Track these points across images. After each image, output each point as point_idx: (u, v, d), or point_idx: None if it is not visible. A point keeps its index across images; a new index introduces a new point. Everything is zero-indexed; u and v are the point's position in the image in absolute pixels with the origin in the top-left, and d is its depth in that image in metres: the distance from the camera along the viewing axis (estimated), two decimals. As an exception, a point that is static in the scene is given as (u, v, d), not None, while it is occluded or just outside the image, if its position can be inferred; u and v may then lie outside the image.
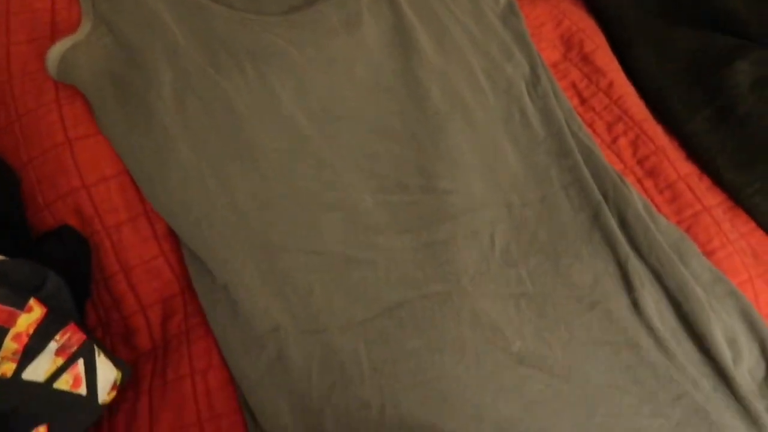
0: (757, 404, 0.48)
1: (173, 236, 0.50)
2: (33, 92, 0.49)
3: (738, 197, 0.61)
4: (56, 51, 0.48)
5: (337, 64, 0.55)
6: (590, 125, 0.66)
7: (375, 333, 0.46)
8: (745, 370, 0.51)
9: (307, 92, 0.52)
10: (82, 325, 0.46)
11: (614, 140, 0.64)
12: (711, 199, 0.60)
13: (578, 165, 0.58)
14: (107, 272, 0.49)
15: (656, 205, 0.60)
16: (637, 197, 0.58)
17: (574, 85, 0.69)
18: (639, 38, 0.71)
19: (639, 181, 0.62)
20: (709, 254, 0.57)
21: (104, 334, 0.50)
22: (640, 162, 0.63)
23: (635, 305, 0.50)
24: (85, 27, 0.50)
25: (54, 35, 0.52)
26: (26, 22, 0.52)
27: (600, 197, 0.56)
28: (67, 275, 0.47)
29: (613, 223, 0.55)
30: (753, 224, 0.60)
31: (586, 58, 0.70)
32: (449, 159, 0.54)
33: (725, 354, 0.49)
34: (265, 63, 0.52)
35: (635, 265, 0.52)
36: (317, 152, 0.51)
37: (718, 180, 0.62)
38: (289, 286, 0.47)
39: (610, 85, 0.68)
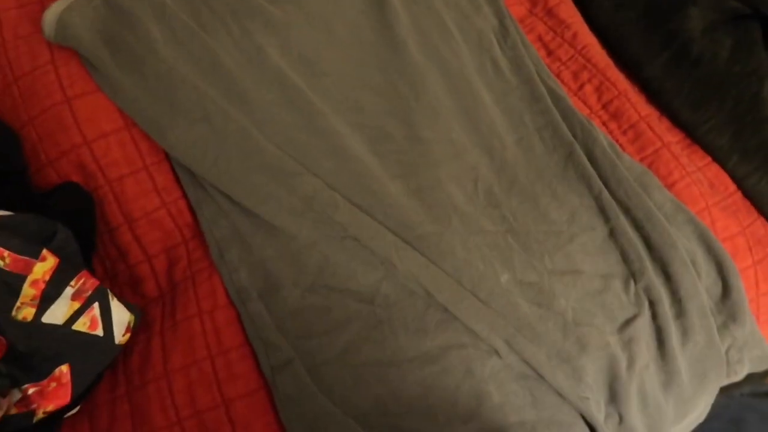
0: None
1: (172, 188, 0.53)
2: (28, 55, 0.51)
3: (694, 134, 0.66)
4: (52, 14, 0.50)
5: (317, 21, 0.57)
6: (557, 75, 0.70)
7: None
8: (703, 288, 0.56)
9: (291, 48, 0.55)
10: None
11: (580, 87, 0.69)
12: (670, 137, 0.65)
13: (549, 109, 0.62)
14: (112, 224, 0.52)
15: (621, 145, 0.64)
16: (602, 137, 0.62)
17: (540, 38, 0.73)
18: (599, -10, 0.75)
19: (604, 124, 0.66)
20: (669, 186, 0.62)
21: (112, 284, 0.53)
22: (604, 106, 0.67)
23: (611, 233, 0.55)
24: (74, -11, 0.52)
25: (42, 0, 0.54)
26: (14, -9, 0.54)
27: (571, 138, 0.60)
28: (74, 229, 0.49)
29: (585, 161, 0.59)
30: (709, 158, 0.66)
31: (550, 12, 0.74)
32: (430, 109, 0.58)
33: (690, 273, 0.54)
34: (248, 21, 0.55)
35: (608, 198, 0.57)
36: (308, 103, 0.54)
37: (676, 120, 0.67)
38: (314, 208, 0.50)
39: (574, 36, 0.72)
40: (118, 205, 0.52)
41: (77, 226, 0.50)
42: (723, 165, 0.65)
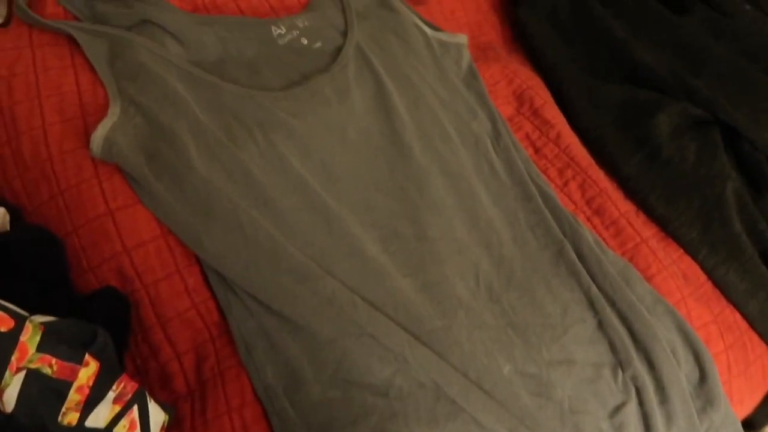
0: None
1: (201, 289, 0.57)
2: (73, 168, 0.55)
3: (668, 229, 0.74)
4: (99, 135, 0.54)
5: (333, 129, 0.63)
6: (545, 171, 0.77)
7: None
8: (683, 375, 0.62)
9: (311, 156, 0.61)
10: (126, 375, 0.52)
11: (565, 184, 0.76)
12: (647, 231, 0.73)
13: (540, 208, 0.68)
14: (146, 324, 0.55)
15: (604, 239, 0.71)
16: (588, 234, 0.69)
17: (528, 136, 0.81)
18: (576, 93, 0.83)
19: (588, 219, 0.73)
20: (649, 279, 0.68)
21: (142, 381, 0.56)
22: (588, 203, 0.74)
23: (600, 325, 0.61)
24: (115, 109, 0.57)
25: (84, 115, 0.58)
26: (57, 104, 0.58)
27: (561, 236, 0.67)
28: (111, 330, 0.53)
29: (574, 257, 0.65)
30: (681, 251, 0.73)
31: (536, 112, 0.82)
32: (434, 208, 0.64)
33: (671, 362, 0.60)
34: (273, 132, 0.60)
35: (596, 292, 0.63)
36: (326, 207, 0.59)
37: (651, 214, 0.75)
38: (335, 308, 0.54)
39: (558, 136, 0.79)
40: (152, 307, 0.55)
41: (114, 327, 0.53)
42: (694, 257, 0.72)
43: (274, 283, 0.54)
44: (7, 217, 0.54)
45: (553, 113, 0.82)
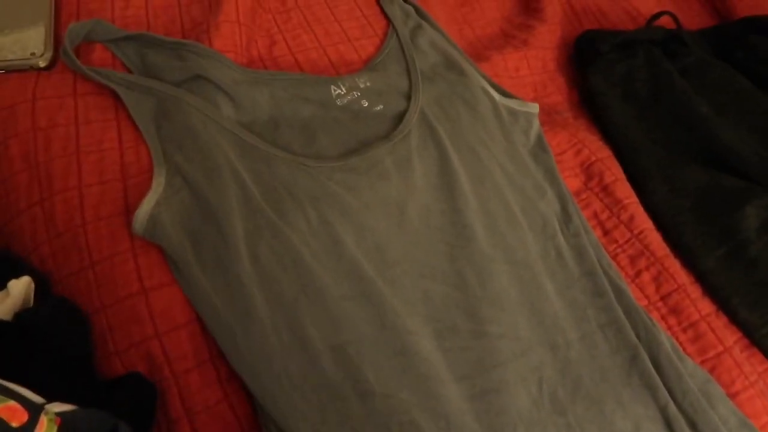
0: None
1: (234, 377, 0.51)
2: (107, 239, 0.50)
3: (752, 336, 0.66)
4: (144, 212, 0.49)
5: (391, 206, 0.57)
6: (614, 257, 0.70)
7: None
8: None
9: (366, 237, 0.55)
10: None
11: (637, 274, 0.69)
12: (730, 337, 0.65)
13: (612, 305, 0.61)
14: (172, 416, 0.49)
15: (681, 344, 0.64)
16: (665, 338, 0.61)
17: (596, 215, 0.74)
18: (652, 172, 0.76)
19: (663, 318, 0.66)
20: (732, 396, 0.61)
21: (163, 479, 0.50)
22: (663, 299, 0.67)
23: None
24: (160, 179, 0.51)
25: (125, 177, 0.53)
26: (96, 162, 0.53)
27: (636, 340, 0.59)
28: (132, 420, 0.47)
29: (650, 367, 0.58)
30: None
31: (606, 189, 0.75)
32: (497, 302, 0.57)
33: None
34: (327, 209, 0.54)
35: (674, 411, 0.56)
36: (380, 298, 0.52)
37: (734, 318, 0.67)
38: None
39: (631, 218, 0.72)
40: (180, 398, 0.49)
41: (137, 417, 0.48)
42: (782, 371, 0.64)
43: (302, 403, 0.47)
44: (32, 286, 0.49)
45: (626, 192, 0.75)
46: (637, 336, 0.60)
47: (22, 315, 0.47)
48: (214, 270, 0.49)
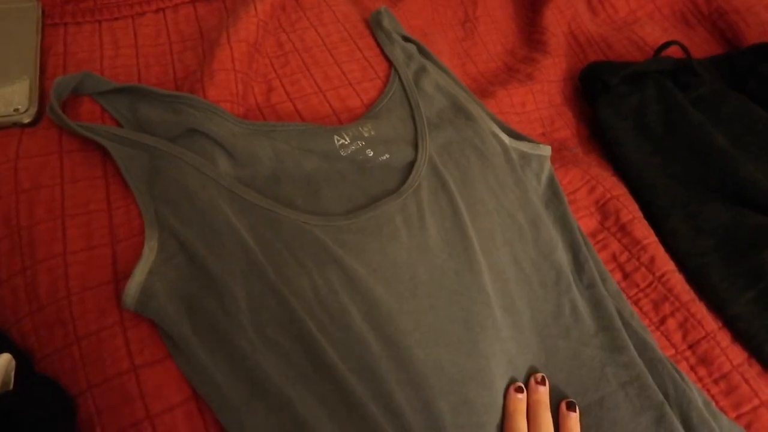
0: None
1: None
2: (94, 312, 0.46)
3: (789, 386, 0.61)
4: (135, 284, 0.45)
5: (402, 270, 0.53)
6: (635, 303, 0.66)
7: None
8: None
9: (375, 306, 0.50)
10: None
11: (662, 321, 0.64)
12: (765, 388, 0.60)
13: (635, 361, 0.57)
14: (167, 508, 0.45)
15: (712, 397, 0.59)
16: (697, 394, 0.57)
17: (615, 258, 0.70)
18: (672, 209, 0.72)
19: (692, 369, 0.61)
20: (772, 455, 0.56)
21: None
22: (691, 347, 0.63)
23: None
24: (152, 243, 0.48)
25: (114, 242, 0.49)
26: (82, 226, 0.50)
27: (661, 398, 0.55)
28: None
29: (679, 428, 0.53)
30: (807, 416, 0.61)
31: (623, 229, 0.72)
32: (508, 374, 0.53)
33: None
34: (333, 276, 0.50)
35: None
36: (386, 376, 0.48)
37: (767, 366, 0.63)
38: None
39: (652, 260, 0.68)
40: (175, 486, 0.45)
41: None
42: (824, 425, 0.60)
43: None
44: (13, 364, 0.45)
45: (644, 231, 0.71)
46: (665, 393, 0.56)
47: (1, 397, 0.43)
48: (215, 343, 0.45)
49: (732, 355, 0.62)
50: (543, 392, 0.53)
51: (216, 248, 0.48)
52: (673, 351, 0.62)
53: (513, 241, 0.59)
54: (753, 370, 0.62)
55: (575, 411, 0.52)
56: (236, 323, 0.45)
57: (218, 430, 0.46)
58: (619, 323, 0.59)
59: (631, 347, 0.58)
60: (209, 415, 0.46)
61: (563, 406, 0.53)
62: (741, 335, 0.64)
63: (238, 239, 0.49)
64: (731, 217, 0.69)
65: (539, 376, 0.54)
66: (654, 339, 0.61)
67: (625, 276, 0.68)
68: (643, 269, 0.68)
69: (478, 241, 0.57)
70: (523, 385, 0.53)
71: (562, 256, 0.62)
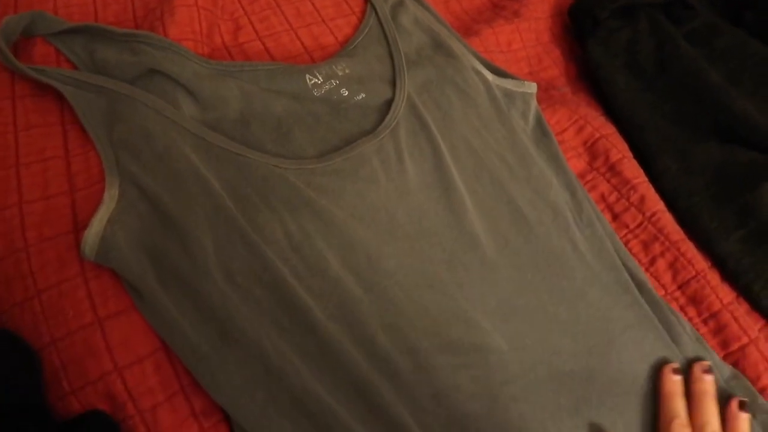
0: None
1: (211, 411, 0.45)
2: (54, 263, 0.44)
3: (778, 324, 0.60)
4: (94, 233, 0.43)
5: (380, 213, 0.51)
6: (626, 244, 0.64)
7: None
8: None
9: (354, 249, 0.48)
10: None
11: (652, 262, 0.63)
12: (754, 325, 0.59)
13: (639, 302, 0.55)
14: (141, 459, 0.44)
15: (702, 336, 0.58)
16: (690, 331, 0.56)
17: (604, 198, 0.68)
18: (663, 149, 0.70)
19: (682, 309, 0.60)
20: (760, 391, 0.55)
21: None
22: (681, 288, 0.61)
23: None
24: (113, 191, 0.45)
25: (72, 190, 0.47)
26: (38, 174, 0.47)
27: (669, 339, 0.54)
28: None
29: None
30: (796, 353, 0.60)
31: (613, 169, 0.69)
32: (500, 314, 0.51)
33: None
34: (307, 220, 0.48)
35: None
36: (368, 320, 0.47)
37: (756, 305, 0.61)
38: None
39: (642, 200, 0.66)
40: (150, 437, 0.44)
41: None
42: (812, 362, 0.59)
43: (298, 429, 0.42)
44: (-28, 320, 0.44)
45: (634, 171, 0.69)
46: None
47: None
48: (181, 293, 0.43)
49: (722, 293, 0.60)
50: (710, 382, 0.51)
51: (180, 194, 0.45)
52: (663, 292, 0.61)
53: (503, 180, 0.56)
54: (742, 309, 0.61)
55: (747, 412, 0.50)
56: (204, 272, 0.43)
57: (190, 379, 0.45)
58: (620, 263, 0.57)
59: (635, 288, 0.56)
60: (180, 365, 0.44)
61: (734, 405, 0.51)
62: (730, 274, 0.63)
63: (204, 185, 0.46)
64: (723, 155, 0.67)
65: (706, 364, 0.52)
66: (647, 279, 0.59)
67: (615, 217, 0.66)
68: (632, 209, 0.66)
69: (462, 181, 0.54)
70: (679, 367, 0.51)
71: (559, 195, 0.59)
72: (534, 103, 0.65)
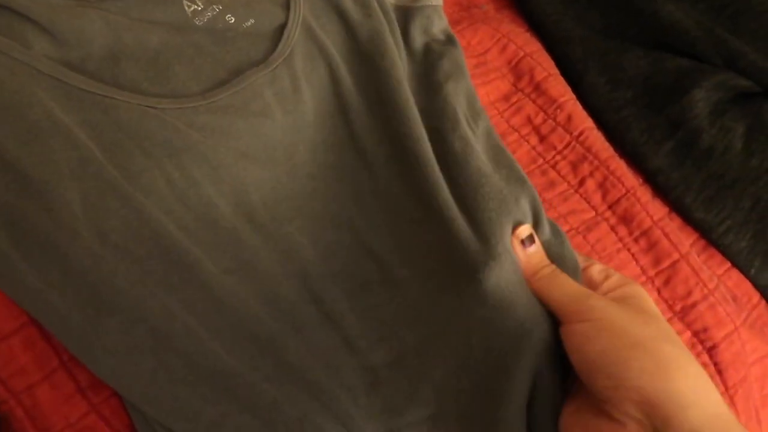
0: None
1: (100, 385, 0.41)
2: None
3: (710, 237, 0.59)
4: None
5: (277, 151, 0.46)
6: (553, 166, 0.61)
7: None
8: None
9: (248, 194, 0.44)
10: None
11: (581, 183, 0.60)
12: (685, 241, 0.58)
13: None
14: (26, 445, 0.39)
15: (633, 255, 0.56)
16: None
17: (530, 121, 0.64)
18: (589, 63, 0.66)
19: (612, 229, 0.58)
20: (690, 307, 0.54)
21: None
22: (611, 207, 0.59)
23: None
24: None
25: None
26: None
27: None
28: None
29: None
30: (727, 264, 0.59)
31: (538, 88, 0.65)
32: (407, 246, 0.47)
33: None
34: (191, 163, 0.43)
35: None
36: (269, 267, 0.42)
37: (688, 218, 0.60)
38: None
39: (569, 119, 0.63)
40: (31, 419, 0.39)
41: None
42: (744, 271, 0.58)
43: (185, 398, 0.38)
44: None
45: (560, 89, 0.65)
46: None
47: None
48: (45, 259, 0.38)
49: (652, 210, 0.58)
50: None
51: (35, 147, 0.39)
52: (593, 213, 0.59)
53: (405, 107, 0.50)
54: (674, 224, 0.59)
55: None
56: (70, 233, 0.38)
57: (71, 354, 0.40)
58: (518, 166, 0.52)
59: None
60: (57, 339, 0.40)
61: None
62: (661, 189, 0.61)
63: (65, 134, 0.40)
64: (650, 63, 0.64)
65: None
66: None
67: (542, 139, 0.63)
68: (559, 129, 0.63)
69: (366, 109, 0.49)
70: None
71: (456, 98, 0.53)
72: (437, 17, 0.59)
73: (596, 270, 0.47)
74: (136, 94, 0.44)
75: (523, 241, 0.46)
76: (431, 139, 0.49)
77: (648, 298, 0.42)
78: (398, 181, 0.48)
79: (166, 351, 0.39)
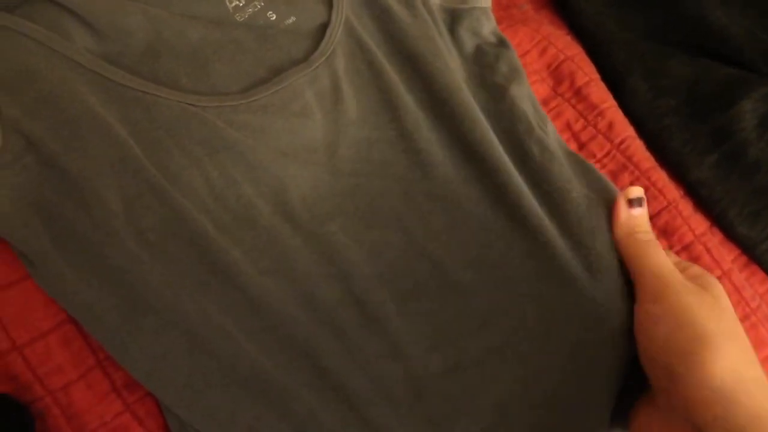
0: None
1: (136, 384, 0.41)
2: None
3: (752, 252, 0.57)
4: None
5: (318, 152, 0.45)
6: (592, 175, 0.60)
7: None
8: None
9: (288, 193, 0.43)
10: None
11: (620, 193, 0.58)
12: (727, 256, 0.56)
13: None
14: (59, 442, 0.39)
15: (673, 270, 0.55)
16: None
17: (569, 127, 0.62)
18: (632, 68, 0.64)
19: (652, 241, 0.56)
20: (733, 325, 0.53)
21: None
22: (651, 219, 0.57)
23: None
24: (-7, 141, 0.38)
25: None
26: None
27: None
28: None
29: None
30: (770, 282, 0.57)
31: (579, 93, 0.64)
32: (473, 251, 0.45)
33: None
34: (230, 163, 0.42)
35: None
36: (309, 268, 0.42)
37: (731, 233, 0.58)
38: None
39: (610, 126, 0.61)
40: (66, 418, 0.39)
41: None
42: (787, 290, 0.56)
43: (224, 404, 0.38)
44: None
45: (602, 95, 0.63)
46: None
47: None
48: (82, 256, 0.37)
49: (694, 224, 0.56)
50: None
51: (75, 143, 0.39)
52: (631, 224, 0.57)
53: (455, 89, 0.49)
54: (715, 239, 0.57)
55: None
56: (108, 231, 0.37)
57: (107, 352, 0.40)
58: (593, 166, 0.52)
59: None
60: (94, 337, 0.39)
61: None
62: (703, 202, 0.59)
63: (106, 130, 0.39)
64: (696, 71, 0.62)
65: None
66: None
67: (581, 146, 0.61)
68: (600, 137, 0.61)
69: (414, 101, 0.48)
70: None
71: (523, 102, 0.53)
72: (486, 21, 0.58)
73: (675, 260, 0.46)
74: (174, 91, 0.43)
75: (630, 201, 0.45)
76: (502, 144, 0.48)
77: (725, 295, 0.41)
78: (465, 186, 0.46)
79: (201, 353, 0.38)
